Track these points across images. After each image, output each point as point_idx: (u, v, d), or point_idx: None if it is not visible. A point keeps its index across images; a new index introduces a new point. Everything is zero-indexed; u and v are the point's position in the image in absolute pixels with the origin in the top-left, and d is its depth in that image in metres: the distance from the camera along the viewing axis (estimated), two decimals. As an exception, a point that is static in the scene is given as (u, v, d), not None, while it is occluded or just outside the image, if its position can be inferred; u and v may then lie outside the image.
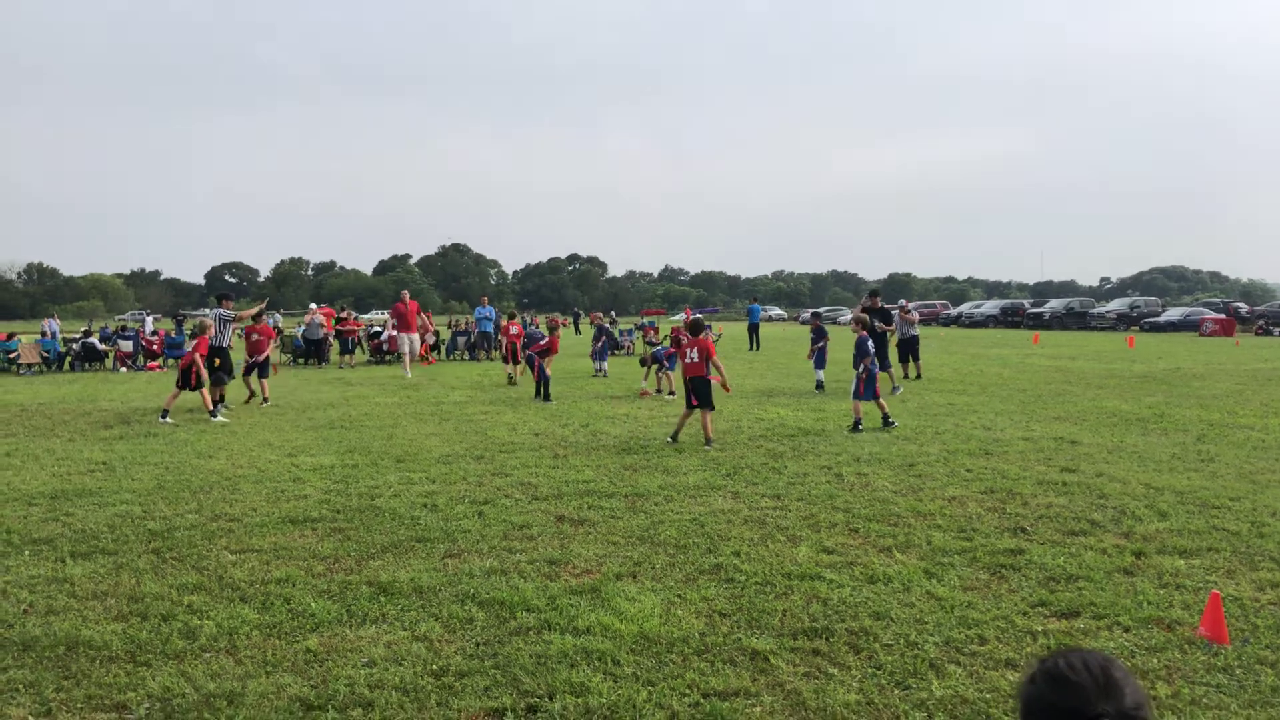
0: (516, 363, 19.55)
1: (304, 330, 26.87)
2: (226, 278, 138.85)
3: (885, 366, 16.42)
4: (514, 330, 20.49)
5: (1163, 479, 8.46)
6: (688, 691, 4.12)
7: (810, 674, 4.30)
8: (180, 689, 4.17)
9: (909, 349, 19.11)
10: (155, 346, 26.72)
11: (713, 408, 10.95)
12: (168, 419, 13.23)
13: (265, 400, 15.64)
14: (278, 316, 43.01)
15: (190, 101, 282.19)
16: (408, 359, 21.95)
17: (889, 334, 17.80)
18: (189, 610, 5.18)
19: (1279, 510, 7.21)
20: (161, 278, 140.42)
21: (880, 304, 18.30)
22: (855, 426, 11.70)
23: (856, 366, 12.05)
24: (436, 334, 29.05)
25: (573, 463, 9.68)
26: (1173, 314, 51.61)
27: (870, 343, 12.17)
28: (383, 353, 27.47)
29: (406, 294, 22.74)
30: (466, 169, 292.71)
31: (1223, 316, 45.65)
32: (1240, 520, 6.91)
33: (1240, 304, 59.16)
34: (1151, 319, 50.75)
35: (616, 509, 7.55)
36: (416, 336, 22.11)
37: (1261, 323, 45.47)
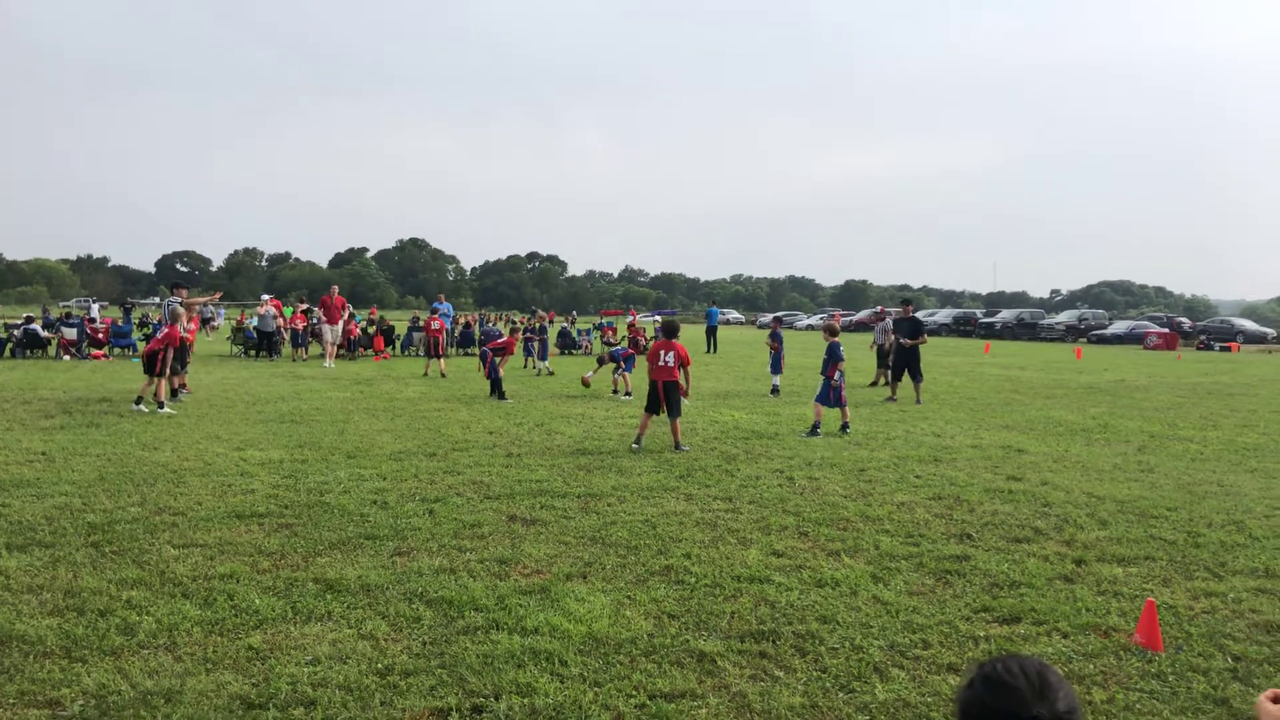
0: (436, 357, 21.07)
1: (256, 322, 26.40)
2: (178, 266, 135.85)
3: (916, 377, 16.08)
4: (434, 325, 21.96)
5: (1104, 488, 8.66)
6: (634, 693, 4.12)
7: (756, 676, 4.34)
8: (116, 686, 4.08)
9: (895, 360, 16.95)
10: (100, 335, 26.09)
11: (680, 413, 10.80)
12: (140, 406, 13.12)
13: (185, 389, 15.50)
14: (210, 307, 41.14)
15: (142, 85, 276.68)
16: (330, 349, 23.49)
17: (907, 345, 16.20)
18: (128, 605, 5.07)
19: (1214, 521, 7.42)
20: (110, 264, 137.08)
21: (913, 313, 17.30)
22: (812, 430, 11.79)
23: (826, 371, 12.15)
24: (380, 326, 29.04)
25: (526, 462, 9.64)
26: (1119, 327, 52.88)
27: (842, 349, 12.27)
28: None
29: (335, 289, 24.63)
30: (427, 163, 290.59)
31: (1166, 330, 46.87)
32: (1177, 530, 7.10)
33: (1183, 319, 60.79)
34: (1099, 331, 51.96)
35: (569, 509, 7.53)
36: (340, 328, 23.99)
37: (1203, 337, 46.78)
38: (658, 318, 42.12)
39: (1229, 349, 42.76)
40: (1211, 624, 5.08)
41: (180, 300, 15.50)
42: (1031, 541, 6.73)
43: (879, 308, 21.74)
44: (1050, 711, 1.57)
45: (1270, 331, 51.72)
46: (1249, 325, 52.52)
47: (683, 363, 10.74)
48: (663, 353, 10.79)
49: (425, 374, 20.70)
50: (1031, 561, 6.20)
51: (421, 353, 28.34)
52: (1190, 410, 15.60)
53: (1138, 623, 4.92)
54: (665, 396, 10.64)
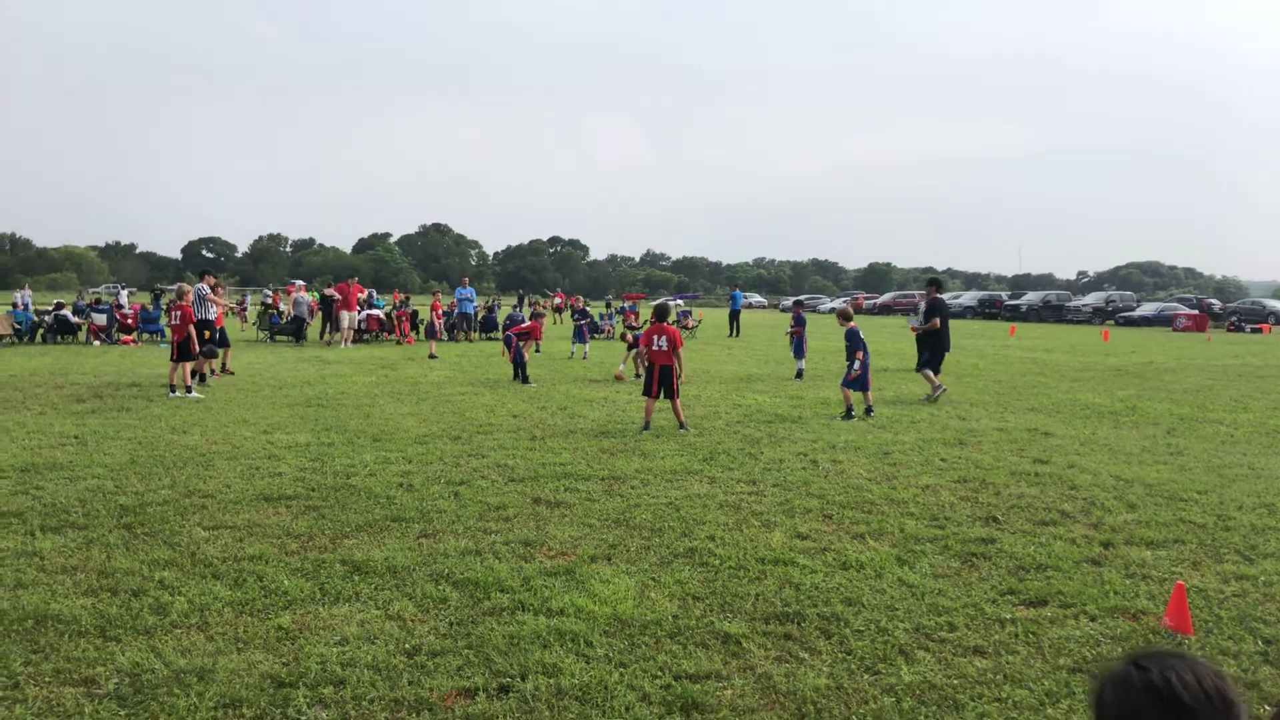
0: (435, 339, 23.35)
1: (294, 307, 26.63)
2: (204, 252, 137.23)
3: (926, 366, 14.10)
4: (438, 312, 24.53)
5: (1132, 471, 8.57)
6: (659, 674, 4.14)
7: (781, 658, 4.34)
8: (150, 664, 4.15)
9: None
10: (130, 320, 26.40)
11: (678, 394, 10.93)
12: (177, 393, 13.28)
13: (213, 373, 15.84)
14: (201, 286, 41.36)
15: (167, 73, 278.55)
16: (347, 334, 24.72)
17: (913, 331, 14.67)
18: (160, 586, 5.15)
19: (1245, 504, 7.33)
20: (137, 251, 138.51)
21: (936, 295, 14.72)
22: (847, 414, 11.78)
23: (849, 359, 12.13)
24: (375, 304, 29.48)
25: (550, 445, 9.68)
26: (1147, 309, 52.17)
27: (861, 333, 12.20)
28: (361, 331, 27.29)
29: (354, 278, 26.72)
30: (450, 149, 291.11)
31: (1196, 312, 46.22)
32: (1207, 513, 7.02)
33: (1213, 300, 59.88)
34: (1126, 313, 51.28)
35: (593, 492, 7.56)
36: (356, 314, 25.37)
37: (1233, 319, 46.08)
38: (679, 301, 42.01)
39: (1260, 330, 42.07)
40: (1242, 607, 5.03)
41: (208, 289, 15.78)
42: (1058, 524, 6.68)
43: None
44: None
45: (1303, 313, 50.83)
46: (1281, 306, 51.65)
47: (674, 346, 10.80)
48: (656, 337, 10.93)
49: (431, 356, 21.21)
50: (1058, 544, 6.15)
51: (446, 337, 28.51)
52: (1220, 392, 15.39)
53: (1167, 606, 4.88)
54: (661, 380, 10.77)
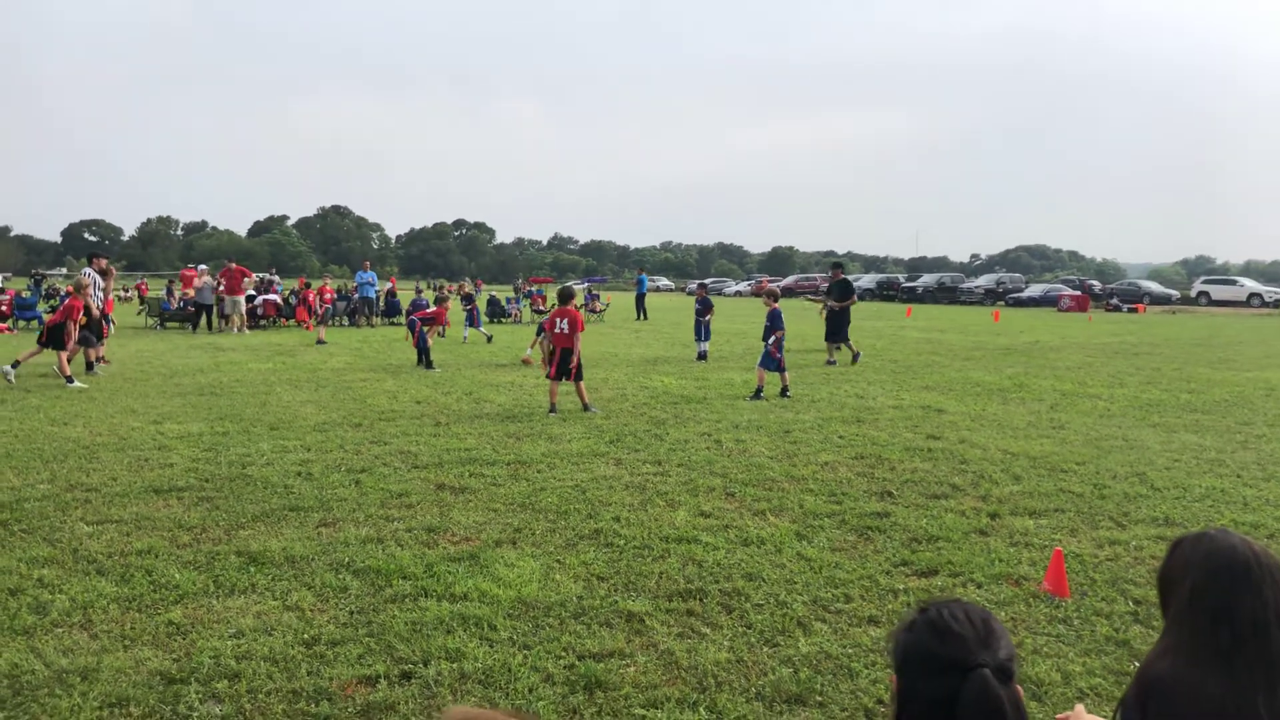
0: (321, 323, 23.18)
1: (197, 294, 25.45)
2: (86, 235, 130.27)
3: (838, 340, 16.61)
4: (327, 295, 25.36)
5: (1018, 445, 8.98)
6: (563, 654, 4.17)
7: (684, 634, 4.42)
8: (29, 665, 3.96)
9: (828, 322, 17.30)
10: (4, 307, 24.94)
11: (581, 377, 11.00)
12: (12, 374, 12.57)
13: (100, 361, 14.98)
14: (89, 271, 39.47)
15: (45, 46, 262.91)
16: (235, 320, 24.05)
17: (824, 310, 17.22)
18: (39, 584, 4.92)
19: (1119, 473, 7.77)
20: (12, 234, 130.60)
21: (843, 277, 17.63)
22: (756, 394, 11.99)
23: (766, 338, 12.32)
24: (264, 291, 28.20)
25: (454, 430, 9.57)
26: (1034, 290, 54.52)
27: (783, 316, 12.44)
28: (257, 317, 26.41)
29: (232, 263, 25.25)
30: (352, 130, 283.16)
31: (1078, 293, 48.50)
32: (1084, 483, 7.41)
33: (1094, 282, 62.92)
34: (1015, 294, 53.49)
35: (498, 476, 7.52)
36: (241, 299, 24.39)
37: (1112, 300, 48.57)
38: (588, 284, 41.97)
39: (1136, 310, 44.52)
40: (1114, 570, 5.34)
41: (98, 270, 14.98)
42: (949, 498, 6.95)
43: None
44: (993, 660, 1.56)
45: (1174, 293, 53.96)
46: (1154, 287, 54.76)
47: (575, 329, 10.89)
48: (559, 320, 11.01)
49: (319, 341, 20.73)
50: (949, 516, 6.41)
51: (346, 322, 27.82)
52: (1099, 369, 16.22)
53: (1046, 571, 5.14)
54: (563, 362, 10.82)
